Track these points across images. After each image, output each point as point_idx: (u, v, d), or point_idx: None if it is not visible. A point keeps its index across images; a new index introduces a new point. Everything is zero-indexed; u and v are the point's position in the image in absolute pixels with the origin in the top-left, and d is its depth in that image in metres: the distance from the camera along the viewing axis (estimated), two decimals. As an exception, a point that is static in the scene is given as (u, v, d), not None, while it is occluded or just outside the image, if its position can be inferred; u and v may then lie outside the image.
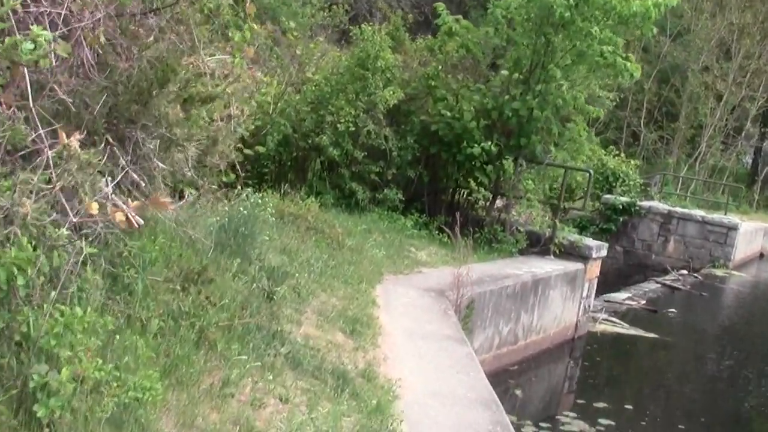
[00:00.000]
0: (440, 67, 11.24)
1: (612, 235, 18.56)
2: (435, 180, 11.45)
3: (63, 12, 3.07)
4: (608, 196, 18.91)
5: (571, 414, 8.20)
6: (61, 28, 3.02)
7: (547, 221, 10.73)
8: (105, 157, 3.80)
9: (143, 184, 4.12)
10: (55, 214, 2.88)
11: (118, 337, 3.39)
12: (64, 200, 2.67)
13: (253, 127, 8.69)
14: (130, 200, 2.90)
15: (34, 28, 2.58)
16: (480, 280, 8.18)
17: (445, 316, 6.79)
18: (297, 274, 5.96)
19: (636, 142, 31.14)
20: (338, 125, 10.03)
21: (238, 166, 6.02)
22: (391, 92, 10.39)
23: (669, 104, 31.27)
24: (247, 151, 8.87)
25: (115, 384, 2.89)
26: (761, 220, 25.77)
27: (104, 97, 3.42)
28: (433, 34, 12.15)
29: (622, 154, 20.92)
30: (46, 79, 3.12)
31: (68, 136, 2.75)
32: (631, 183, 19.72)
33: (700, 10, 29.56)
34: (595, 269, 10.98)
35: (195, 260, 4.77)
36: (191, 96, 3.86)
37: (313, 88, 10.82)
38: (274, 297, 5.20)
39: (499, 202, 11.42)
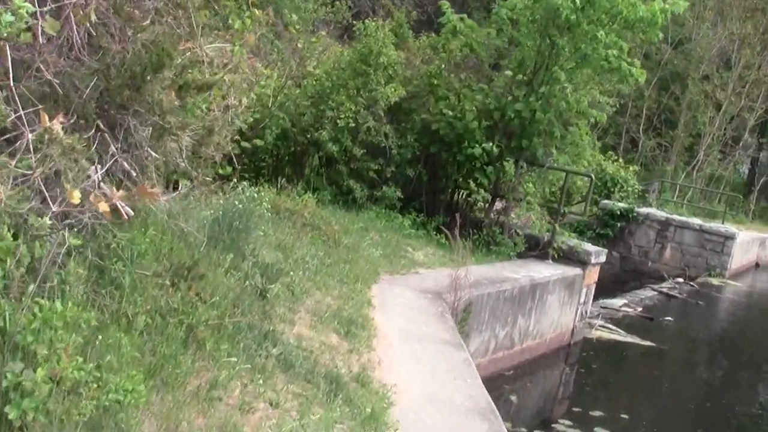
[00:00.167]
0: (443, 65, 11.06)
1: (609, 240, 18.45)
2: (434, 179, 11.28)
3: (52, -13, 2.89)
4: (606, 201, 18.79)
5: (567, 422, 8.05)
6: (49, 4, 2.84)
7: (546, 225, 10.57)
8: (95, 144, 3.63)
9: (134, 174, 3.95)
10: (37, 202, 2.70)
11: (101, 334, 3.21)
12: (44, 187, 2.48)
13: (251, 119, 8.53)
14: (115, 190, 2.71)
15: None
16: (477, 283, 8.01)
17: (442, 318, 6.62)
18: (291, 272, 5.78)
19: (634, 148, 31.03)
20: (338, 121, 9.86)
21: (234, 159, 5.84)
22: (393, 89, 10.23)
23: (668, 112, 31.18)
24: (245, 144, 8.71)
25: (95, 385, 2.72)
26: (757, 230, 25.71)
27: (95, 80, 3.24)
28: (436, 33, 11.99)
29: (621, 160, 20.81)
30: (33, 58, 2.93)
31: (52, 119, 2.56)
32: (630, 189, 19.62)
33: (701, 19, 29.49)
34: (593, 275, 10.83)
35: (186, 254, 4.59)
36: (187, 83, 3.67)
37: (314, 82, 10.66)
38: (267, 295, 5.02)
39: (498, 204, 11.27)
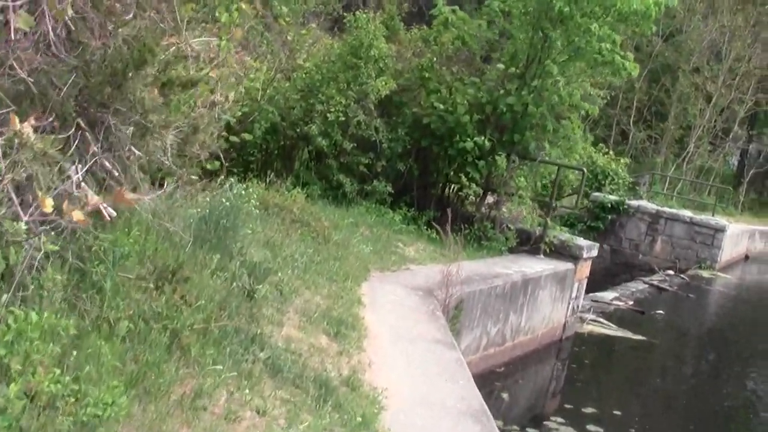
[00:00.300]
0: (434, 58, 10.93)
1: (599, 233, 18.41)
2: (425, 174, 11.18)
3: (26, -20, 2.75)
4: (597, 194, 18.74)
5: (559, 419, 7.99)
6: (23, -1, 2.70)
7: (537, 219, 10.48)
8: (75, 143, 3.49)
9: (117, 173, 3.82)
10: (10, 208, 2.56)
11: (80, 342, 3.09)
12: (14, 195, 2.35)
13: (240, 113, 8.39)
14: (97, 191, 2.58)
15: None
16: (469, 279, 7.92)
17: (434, 317, 6.53)
18: (280, 271, 5.66)
19: (625, 140, 31.01)
20: (328, 114, 9.73)
21: (221, 155, 5.70)
22: (384, 82, 10.09)
23: (659, 104, 31.17)
24: (233, 138, 8.58)
25: (72, 399, 2.60)
26: (747, 222, 25.80)
27: (73, 77, 3.10)
28: (428, 25, 11.84)
29: (611, 152, 20.75)
30: (6, 55, 2.79)
31: (26, 121, 2.43)
32: (620, 181, 19.56)
33: (692, 12, 29.45)
34: (585, 269, 10.77)
35: (171, 255, 4.45)
36: (171, 80, 3.54)
37: (304, 75, 10.51)
38: (255, 296, 4.90)
39: (489, 199, 11.17)
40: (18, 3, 2.64)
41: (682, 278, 17.57)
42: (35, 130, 3.14)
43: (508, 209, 10.96)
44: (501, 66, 10.88)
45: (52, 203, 2.36)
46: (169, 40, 3.72)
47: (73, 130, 3.48)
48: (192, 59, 4.09)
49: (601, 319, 12.22)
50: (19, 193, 2.55)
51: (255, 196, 6.65)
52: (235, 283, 4.79)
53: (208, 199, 5.59)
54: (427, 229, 10.01)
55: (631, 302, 14.06)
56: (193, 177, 4.69)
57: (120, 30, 3.30)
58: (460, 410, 4.52)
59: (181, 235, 4.71)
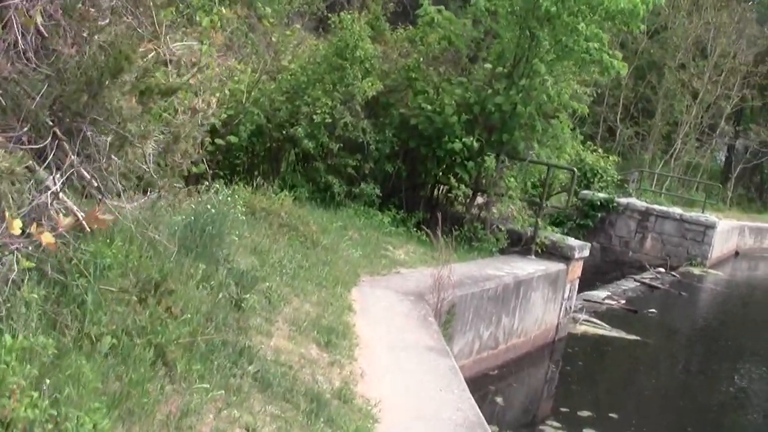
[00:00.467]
0: (421, 59, 10.83)
1: (589, 231, 18.40)
2: (413, 175, 11.08)
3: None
4: (586, 191, 18.71)
5: (554, 423, 7.90)
6: (-9, 5, 2.57)
7: (528, 219, 10.39)
8: (52, 153, 3.36)
9: (96, 183, 3.68)
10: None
11: (60, 362, 2.95)
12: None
13: (225, 116, 8.25)
14: (68, 206, 2.45)
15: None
16: (460, 282, 7.82)
17: (426, 322, 6.42)
18: (268, 278, 5.53)
19: (612, 137, 31.07)
20: (314, 116, 9.60)
21: (205, 162, 5.57)
22: (370, 84, 9.98)
23: (645, 101, 31.25)
24: (219, 141, 8.45)
25: (50, 425, 2.47)
26: (735, 218, 25.87)
27: (46, 86, 2.97)
28: (413, 25, 11.73)
29: (599, 150, 20.73)
30: (-25, 64, 2.66)
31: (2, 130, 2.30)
32: (609, 179, 19.54)
33: (677, 8, 29.52)
34: (577, 270, 10.70)
35: (155, 266, 4.31)
36: (149, 87, 3.40)
37: (289, 77, 10.38)
38: (243, 305, 4.77)
39: (479, 199, 11.07)
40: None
41: (673, 276, 17.56)
42: (8, 140, 3.00)
43: (498, 210, 10.88)
44: (488, 66, 10.79)
45: (20, 225, 2.23)
46: (147, 46, 3.59)
47: (50, 139, 3.36)
48: (172, 65, 3.96)
49: (594, 319, 12.16)
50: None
51: (241, 201, 6.53)
52: (222, 293, 4.66)
53: (193, 205, 5.45)
54: (416, 231, 9.92)
55: (623, 301, 14.02)
56: (176, 185, 4.55)
57: (95, 36, 3.17)
58: (456, 422, 4.41)
59: (165, 244, 4.56)
